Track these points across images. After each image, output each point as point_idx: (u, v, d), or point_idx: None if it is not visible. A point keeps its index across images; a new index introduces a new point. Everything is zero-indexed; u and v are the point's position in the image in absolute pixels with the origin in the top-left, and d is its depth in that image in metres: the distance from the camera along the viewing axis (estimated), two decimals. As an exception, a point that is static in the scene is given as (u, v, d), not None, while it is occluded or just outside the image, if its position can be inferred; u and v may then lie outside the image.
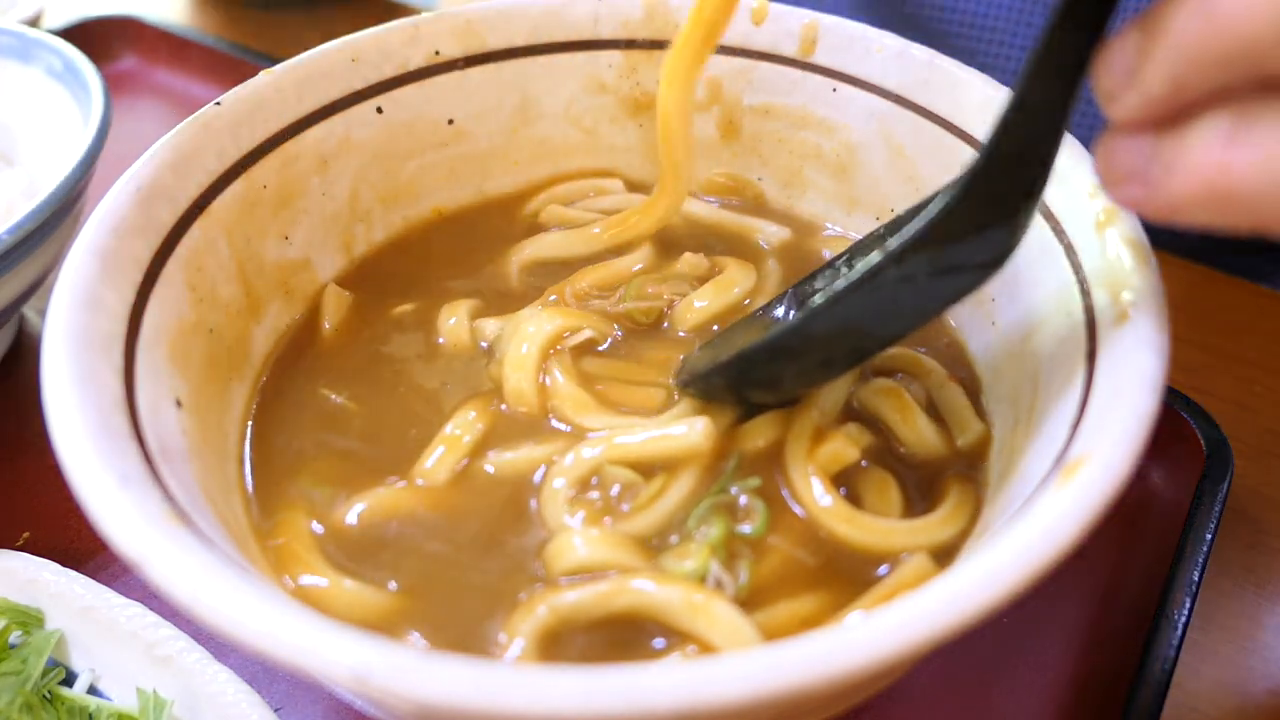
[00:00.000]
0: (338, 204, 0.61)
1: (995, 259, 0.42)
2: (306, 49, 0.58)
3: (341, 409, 0.54)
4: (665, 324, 0.57)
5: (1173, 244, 0.78)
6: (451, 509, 0.48)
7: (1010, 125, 0.38)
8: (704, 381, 0.51)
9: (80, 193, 0.66)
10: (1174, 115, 0.33)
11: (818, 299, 0.45)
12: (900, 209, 0.58)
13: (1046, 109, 0.38)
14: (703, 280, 0.59)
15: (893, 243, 0.42)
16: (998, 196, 0.40)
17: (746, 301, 0.59)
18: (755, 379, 0.49)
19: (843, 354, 0.47)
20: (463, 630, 0.44)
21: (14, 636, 0.52)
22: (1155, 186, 0.34)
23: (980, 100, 0.56)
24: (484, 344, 0.56)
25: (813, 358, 0.47)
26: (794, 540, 0.47)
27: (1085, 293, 0.46)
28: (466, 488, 0.49)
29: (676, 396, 0.53)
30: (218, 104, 0.54)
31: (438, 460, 0.50)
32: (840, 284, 0.44)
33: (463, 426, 0.51)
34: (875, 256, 0.42)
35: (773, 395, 0.51)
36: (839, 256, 0.54)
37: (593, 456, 0.49)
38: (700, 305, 0.57)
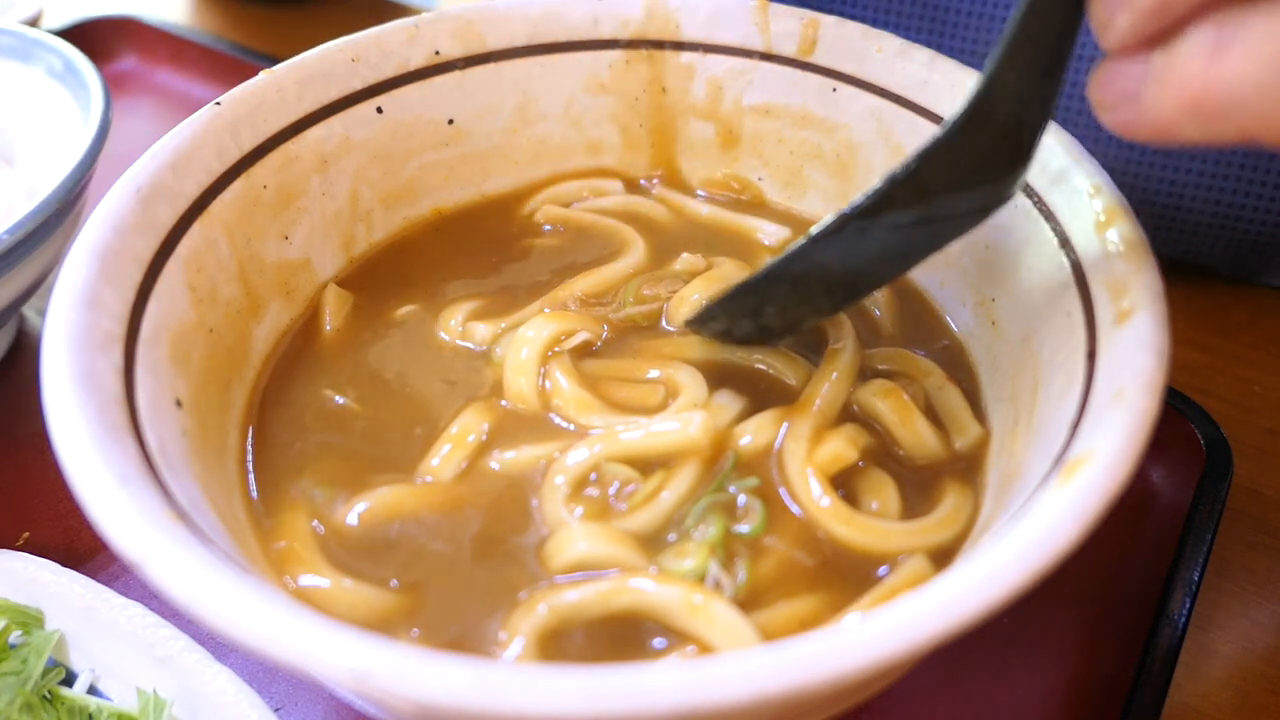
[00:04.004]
0: (338, 204, 0.61)
1: (998, 198, 0.44)
2: (306, 49, 0.58)
3: (342, 409, 0.54)
4: (663, 320, 0.57)
5: (1173, 250, 0.78)
6: (453, 508, 0.48)
7: (1013, 52, 0.39)
8: (714, 314, 0.52)
9: (80, 193, 0.66)
10: (1164, 32, 0.34)
11: (815, 229, 0.46)
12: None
13: (1046, 43, 0.38)
14: (698, 278, 0.59)
15: (897, 169, 0.43)
16: (1000, 132, 0.41)
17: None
18: (761, 307, 0.51)
19: (841, 285, 0.49)
20: (463, 629, 0.44)
21: (14, 636, 0.52)
22: (1147, 105, 0.35)
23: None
24: (482, 347, 0.56)
25: (814, 285, 0.49)
26: (792, 541, 0.47)
27: (1085, 293, 0.46)
28: (468, 487, 0.49)
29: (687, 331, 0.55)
30: (218, 104, 0.54)
31: (444, 458, 0.50)
32: (837, 217, 0.45)
33: (468, 425, 0.51)
34: (879, 185, 0.43)
35: (781, 320, 0.52)
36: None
37: (591, 453, 0.49)
38: (694, 299, 0.57)
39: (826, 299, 0.51)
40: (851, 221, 0.45)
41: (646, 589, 0.44)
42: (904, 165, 0.43)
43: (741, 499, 0.48)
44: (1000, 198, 0.44)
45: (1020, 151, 0.43)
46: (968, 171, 0.43)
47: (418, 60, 0.61)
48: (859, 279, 0.49)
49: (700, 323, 0.54)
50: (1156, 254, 0.46)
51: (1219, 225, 0.75)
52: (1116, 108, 0.37)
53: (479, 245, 0.64)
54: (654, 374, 0.54)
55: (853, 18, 0.62)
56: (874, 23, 0.78)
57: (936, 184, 0.43)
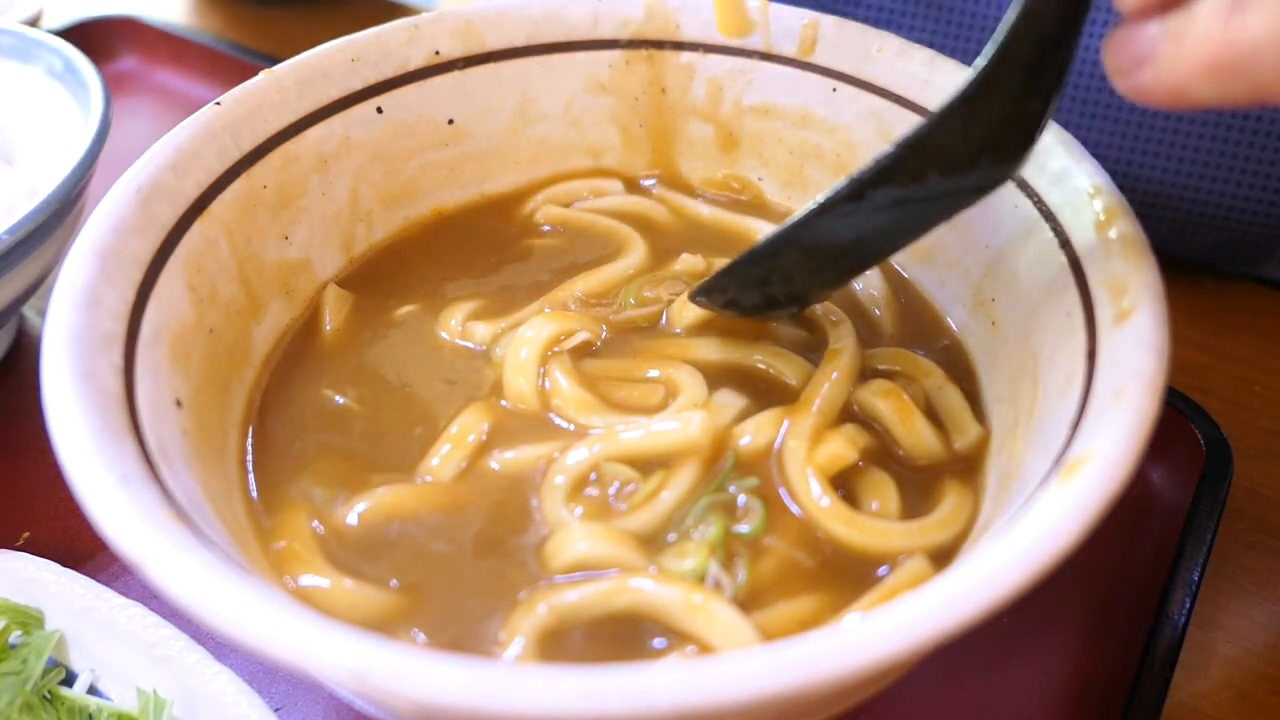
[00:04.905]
0: (338, 204, 0.61)
1: (1003, 173, 0.43)
2: (306, 49, 0.58)
3: (342, 409, 0.54)
4: (663, 320, 0.57)
5: (1173, 245, 0.78)
6: (453, 508, 0.48)
7: (1029, 15, 0.39)
8: (722, 285, 0.52)
9: (80, 193, 0.66)
10: None
11: (821, 198, 0.46)
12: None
13: (1061, 6, 0.39)
14: (699, 280, 0.59)
15: (907, 136, 0.43)
16: (1015, 94, 0.41)
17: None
18: (769, 276, 0.50)
19: (848, 254, 0.48)
20: (463, 629, 0.44)
21: (14, 636, 0.52)
22: (1163, 67, 0.36)
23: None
24: (482, 347, 0.56)
25: (822, 253, 0.48)
26: (792, 541, 0.47)
27: (1085, 293, 0.46)
28: (468, 487, 0.49)
29: (689, 303, 0.55)
30: (218, 104, 0.54)
31: (444, 458, 0.50)
32: (848, 181, 0.45)
33: (468, 425, 0.51)
34: (891, 150, 0.43)
35: (787, 290, 0.52)
36: None
37: (591, 453, 0.49)
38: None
39: (833, 269, 0.50)
40: (863, 187, 0.44)
41: (646, 589, 0.44)
42: (917, 128, 0.42)
43: (741, 499, 0.48)
44: (1011, 163, 0.44)
45: (1033, 115, 0.42)
46: (982, 135, 0.42)
47: (418, 60, 0.61)
48: (865, 249, 0.49)
49: (706, 293, 0.53)
50: (1156, 250, 0.46)
51: (1220, 220, 0.75)
52: (1131, 72, 0.37)
53: (479, 245, 0.64)
54: (654, 374, 0.54)
55: (859, 18, 0.62)
56: (879, 23, 0.78)
57: (949, 148, 0.43)
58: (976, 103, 0.41)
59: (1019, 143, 0.43)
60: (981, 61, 0.40)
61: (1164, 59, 0.36)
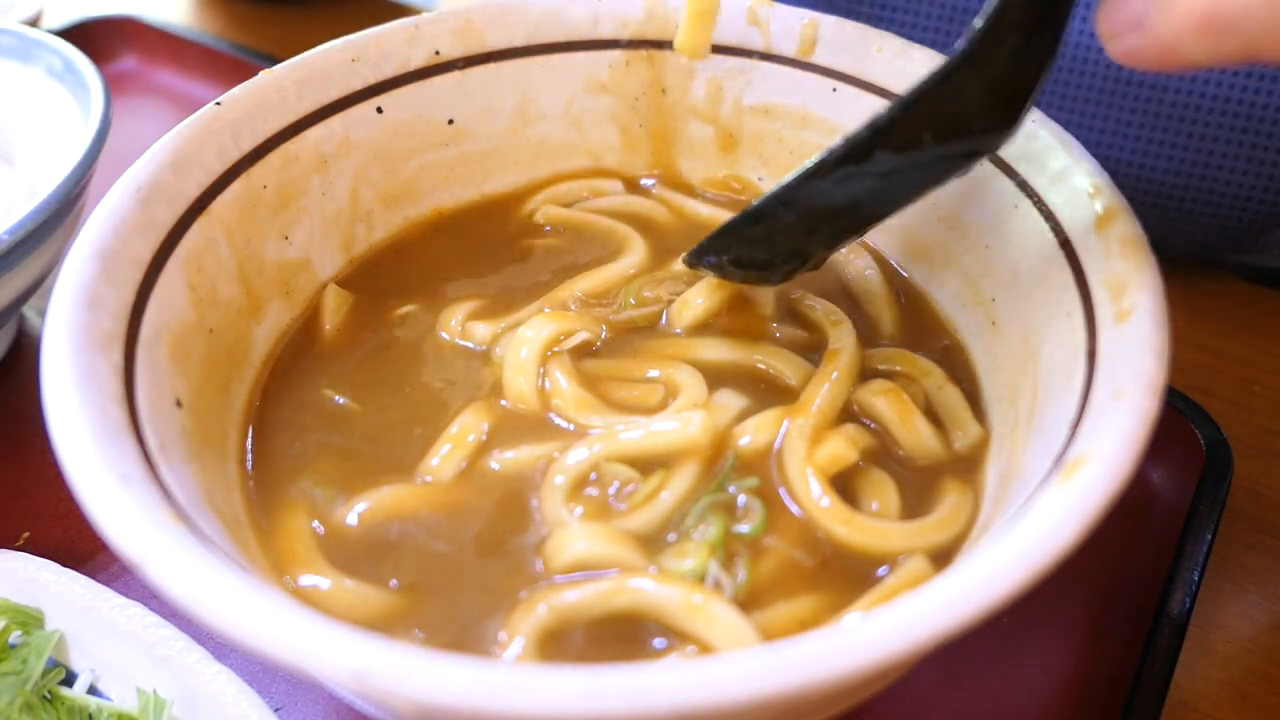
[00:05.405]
0: (338, 204, 0.61)
1: (995, 140, 0.44)
2: (306, 49, 0.58)
3: (342, 409, 0.54)
4: (663, 320, 0.57)
5: (1173, 244, 0.78)
6: (453, 508, 0.49)
7: None
8: (715, 246, 0.52)
9: (80, 193, 0.66)
10: None
11: (815, 158, 0.46)
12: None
13: None
14: (698, 280, 0.59)
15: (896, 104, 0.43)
16: (1004, 67, 0.41)
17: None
18: (770, 236, 0.50)
19: (844, 214, 0.49)
20: (463, 629, 0.44)
21: (14, 636, 0.52)
22: (1153, 28, 0.36)
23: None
24: (482, 347, 0.56)
25: (819, 214, 0.49)
26: (792, 541, 0.47)
27: (1085, 293, 0.46)
28: (468, 487, 0.49)
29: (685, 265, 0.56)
30: (218, 104, 0.54)
31: (444, 458, 0.50)
32: (844, 141, 0.45)
33: (468, 425, 0.51)
34: (883, 112, 0.43)
35: (783, 248, 0.51)
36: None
37: (591, 453, 0.49)
38: (699, 303, 0.57)
39: (828, 230, 0.50)
40: (856, 148, 0.44)
41: (646, 589, 0.44)
42: (911, 90, 0.42)
43: (741, 499, 0.48)
44: (1003, 129, 0.44)
45: (1026, 80, 0.42)
46: (974, 100, 0.42)
47: (418, 60, 0.62)
48: (858, 212, 0.49)
49: (701, 255, 0.53)
50: (1152, 242, 0.46)
51: (1209, 209, 0.75)
52: (1122, 35, 0.38)
53: (479, 245, 0.64)
54: (654, 374, 0.54)
55: (860, 18, 0.62)
56: (880, 23, 0.78)
57: (942, 112, 0.43)
58: (970, 67, 0.41)
59: (1011, 109, 0.43)
60: (978, 22, 0.40)
61: (1155, 20, 0.36)
